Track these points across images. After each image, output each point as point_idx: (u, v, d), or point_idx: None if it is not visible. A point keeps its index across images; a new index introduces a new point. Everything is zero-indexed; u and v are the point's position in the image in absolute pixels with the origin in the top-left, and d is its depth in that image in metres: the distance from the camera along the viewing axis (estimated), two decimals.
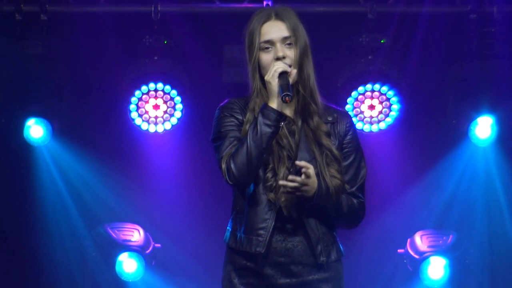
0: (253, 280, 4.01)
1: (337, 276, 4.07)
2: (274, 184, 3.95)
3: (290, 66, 3.96)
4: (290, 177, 3.86)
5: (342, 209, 4.02)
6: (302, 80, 4.02)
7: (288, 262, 4.00)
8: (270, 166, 3.97)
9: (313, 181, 3.88)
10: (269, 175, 3.96)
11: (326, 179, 3.96)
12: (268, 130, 3.87)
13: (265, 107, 3.89)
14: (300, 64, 4.00)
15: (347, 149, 4.11)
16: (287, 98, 3.83)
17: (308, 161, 3.95)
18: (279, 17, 4.04)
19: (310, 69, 4.04)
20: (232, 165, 3.88)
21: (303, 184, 3.86)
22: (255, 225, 3.97)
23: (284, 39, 4.00)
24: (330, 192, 3.95)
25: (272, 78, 3.89)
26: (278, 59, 3.97)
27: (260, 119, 3.87)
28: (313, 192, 3.89)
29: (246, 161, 3.86)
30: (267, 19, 4.05)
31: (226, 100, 4.14)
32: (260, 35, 4.02)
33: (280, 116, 3.88)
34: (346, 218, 4.07)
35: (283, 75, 3.90)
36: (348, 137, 4.12)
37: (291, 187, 3.86)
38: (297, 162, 3.86)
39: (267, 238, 3.95)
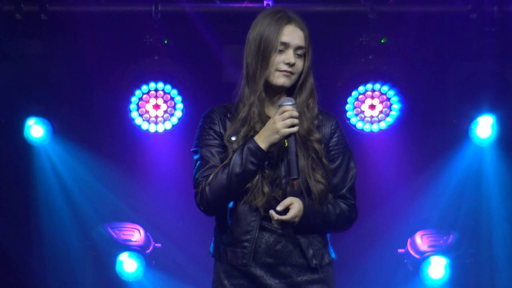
0: (243, 281, 3.99)
1: (328, 278, 4.04)
2: (249, 186, 3.92)
3: (293, 73, 3.95)
4: (275, 217, 3.83)
5: (330, 219, 3.98)
6: (301, 92, 4.01)
7: (277, 263, 3.98)
8: None
9: (299, 210, 3.87)
10: None
11: (310, 183, 3.94)
12: (253, 168, 3.85)
13: (253, 143, 3.87)
14: (305, 77, 4.00)
15: (333, 152, 4.07)
16: (294, 182, 3.82)
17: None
18: (298, 24, 4.01)
19: (311, 82, 4.02)
20: (208, 191, 3.89)
21: (290, 219, 3.85)
22: (239, 237, 3.95)
23: (298, 48, 3.98)
24: (315, 202, 3.92)
25: (281, 125, 3.82)
26: (288, 64, 3.94)
27: (247, 154, 3.84)
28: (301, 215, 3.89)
29: (225, 192, 3.86)
30: (288, 22, 3.99)
31: (209, 109, 4.12)
32: (280, 34, 3.96)
33: (266, 156, 3.87)
34: (335, 226, 4.03)
35: (291, 137, 3.85)
36: (334, 139, 4.09)
37: (282, 220, 3.84)
38: (276, 209, 3.83)
39: (252, 249, 3.94)
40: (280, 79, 3.96)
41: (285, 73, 3.95)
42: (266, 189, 3.91)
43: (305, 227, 3.94)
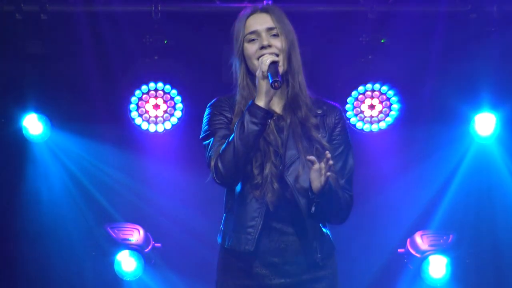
0: (247, 281, 4.01)
1: (332, 274, 4.07)
2: (260, 182, 3.95)
3: (277, 55, 3.97)
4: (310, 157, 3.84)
5: (340, 202, 4.00)
6: (291, 72, 4.04)
7: (282, 262, 3.99)
8: (257, 163, 3.97)
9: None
10: (256, 171, 3.96)
11: None
12: (255, 128, 3.85)
13: (252, 105, 3.89)
14: (288, 55, 4.02)
15: (335, 141, 4.11)
16: (276, 84, 3.83)
17: (295, 158, 3.96)
18: (264, 10, 4.11)
19: (298, 63, 4.07)
20: (220, 164, 3.88)
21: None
22: (244, 223, 3.97)
23: (269, 29, 4.04)
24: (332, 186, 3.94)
25: (261, 73, 3.89)
26: (263, 47, 3.98)
27: (246, 117, 3.86)
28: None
29: (233, 159, 3.85)
30: (252, 12, 4.10)
31: (215, 98, 4.15)
32: (245, 27, 4.07)
33: (267, 114, 3.88)
34: (341, 211, 4.06)
35: (272, 65, 3.89)
36: (337, 129, 4.13)
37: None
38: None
39: (256, 236, 3.95)
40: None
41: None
42: (276, 185, 3.93)
43: (323, 206, 3.93)
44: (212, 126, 4.03)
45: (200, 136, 4.08)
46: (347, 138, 4.15)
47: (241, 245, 3.96)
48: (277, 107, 4.07)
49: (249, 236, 3.95)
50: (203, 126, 4.08)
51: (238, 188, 3.99)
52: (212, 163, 3.91)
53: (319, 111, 4.10)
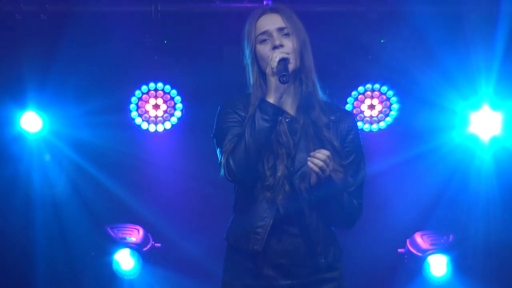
0: (254, 282, 4.01)
1: (338, 277, 4.07)
2: (272, 183, 3.95)
3: (288, 53, 3.97)
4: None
5: (343, 202, 4.00)
6: (305, 70, 4.04)
7: (289, 264, 3.99)
8: (270, 164, 3.96)
9: (330, 158, 3.84)
10: (268, 173, 3.96)
11: (331, 174, 3.95)
12: (266, 125, 3.86)
13: (262, 101, 3.89)
14: (300, 53, 4.02)
15: (348, 149, 4.11)
16: (283, 78, 3.83)
17: (305, 162, 3.94)
18: (273, 10, 4.11)
19: (311, 62, 4.07)
20: (231, 161, 3.88)
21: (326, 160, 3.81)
22: (253, 223, 3.97)
23: (280, 29, 4.04)
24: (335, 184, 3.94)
25: (270, 69, 3.90)
26: (275, 47, 3.98)
27: (257, 114, 3.87)
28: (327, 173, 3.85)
29: (244, 156, 3.86)
30: (262, 13, 4.10)
31: (229, 97, 4.15)
32: (256, 28, 4.07)
33: (278, 110, 3.88)
34: (346, 214, 4.05)
35: (281, 61, 3.90)
36: (350, 136, 4.12)
37: (321, 159, 3.79)
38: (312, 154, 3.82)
39: (265, 236, 3.95)
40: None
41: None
42: (287, 187, 3.93)
43: (320, 207, 3.94)
44: (224, 124, 4.03)
45: (212, 134, 4.08)
46: (359, 146, 4.14)
47: (249, 245, 3.96)
48: (290, 108, 4.07)
49: (258, 236, 3.95)
50: (215, 123, 4.07)
51: (249, 188, 3.99)
52: (224, 161, 3.92)
53: (332, 117, 4.09)
